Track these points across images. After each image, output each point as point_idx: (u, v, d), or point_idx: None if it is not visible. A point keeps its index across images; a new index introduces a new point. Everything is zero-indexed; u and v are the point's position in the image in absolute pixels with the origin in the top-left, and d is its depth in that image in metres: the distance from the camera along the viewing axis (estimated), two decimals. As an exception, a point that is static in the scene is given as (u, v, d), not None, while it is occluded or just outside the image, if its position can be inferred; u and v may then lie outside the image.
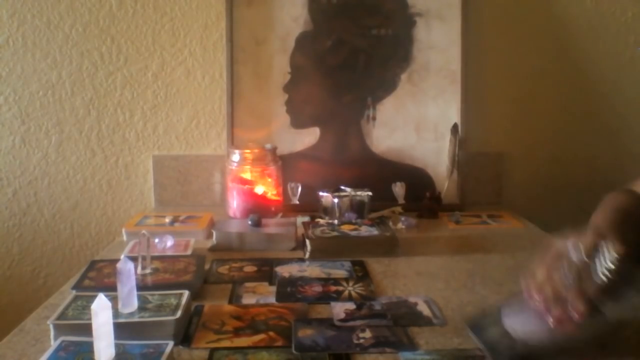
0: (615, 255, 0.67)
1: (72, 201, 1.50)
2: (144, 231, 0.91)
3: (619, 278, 0.66)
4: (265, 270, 0.98)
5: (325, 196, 1.26)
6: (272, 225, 1.17)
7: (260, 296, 0.87)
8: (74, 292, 0.81)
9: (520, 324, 0.69)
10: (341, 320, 0.77)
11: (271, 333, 0.73)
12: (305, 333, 0.73)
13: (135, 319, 0.70)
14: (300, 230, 1.14)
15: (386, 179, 1.41)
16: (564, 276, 0.67)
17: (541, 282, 0.69)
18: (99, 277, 0.89)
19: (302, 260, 1.04)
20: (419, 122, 1.45)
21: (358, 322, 0.77)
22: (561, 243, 0.73)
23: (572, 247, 0.70)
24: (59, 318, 0.70)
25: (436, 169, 1.45)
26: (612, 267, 0.66)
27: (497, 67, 1.48)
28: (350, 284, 0.91)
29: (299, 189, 1.39)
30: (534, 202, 1.50)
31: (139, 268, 0.89)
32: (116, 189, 1.50)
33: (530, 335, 0.67)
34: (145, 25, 1.45)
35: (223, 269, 0.99)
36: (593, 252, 0.68)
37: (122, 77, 1.46)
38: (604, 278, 0.66)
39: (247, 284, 0.92)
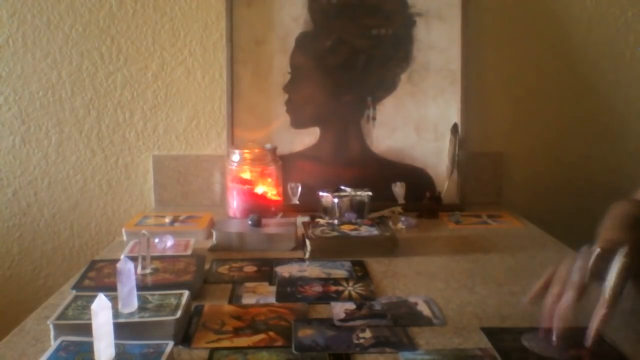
0: (624, 256, 0.67)
1: (72, 201, 1.50)
2: (144, 231, 0.91)
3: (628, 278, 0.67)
4: (265, 270, 0.98)
5: (325, 196, 1.26)
6: (272, 225, 1.17)
7: (260, 296, 0.87)
8: (74, 292, 0.81)
9: (537, 342, 0.70)
10: (341, 320, 0.77)
11: (271, 333, 0.73)
12: (305, 333, 0.73)
13: (135, 319, 0.70)
14: (300, 230, 1.14)
15: (386, 179, 1.41)
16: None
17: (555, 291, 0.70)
18: (99, 277, 0.89)
19: (302, 260, 1.04)
20: (419, 122, 1.45)
21: (358, 322, 0.77)
22: (569, 262, 0.73)
23: (583, 258, 0.70)
24: (59, 318, 0.70)
25: (436, 169, 1.45)
26: (622, 269, 0.67)
27: (497, 67, 1.48)
28: (350, 284, 0.91)
29: (299, 189, 1.39)
30: (534, 202, 1.50)
31: (139, 268, 0.89)
32: (116, 189, 1.51)
33: (546, 352, 0.68)
34: (145, 25, 1.45)
35: (223, 269, 0.99)
36: (604, 260, 0.69)
37: (122, 77, 1.46)
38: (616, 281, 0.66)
39: (247, 284, 0.92)
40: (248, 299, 0.86)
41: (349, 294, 0.87)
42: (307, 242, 1.07)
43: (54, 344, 0.66)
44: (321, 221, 1.19)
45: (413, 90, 1.44)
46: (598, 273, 0.68)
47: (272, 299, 0.85)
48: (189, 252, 1.05)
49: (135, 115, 1.48)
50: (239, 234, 1.11)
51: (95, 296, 0.63)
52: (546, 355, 0.67)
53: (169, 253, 1.05)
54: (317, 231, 1.10)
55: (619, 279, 0.66)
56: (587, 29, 1.47)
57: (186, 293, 0.78)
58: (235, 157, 1.32)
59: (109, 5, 1.44)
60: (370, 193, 1.25)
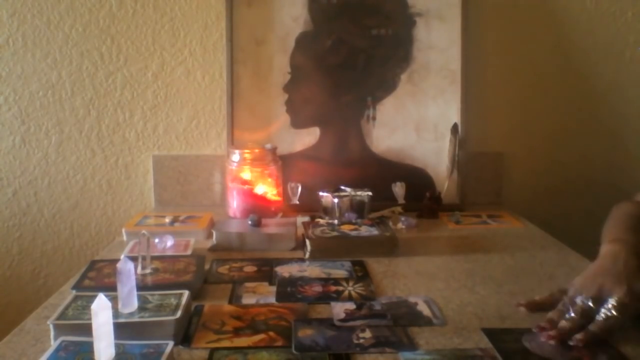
0: (618, 301, 0.72)
1: (72, 201, 1.50)
2: (144, 231, 0.91)
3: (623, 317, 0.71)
4: (265, 270, 0.98)
5: (325, 196, 1.25)
6: (272, 225, 1.17)
7: (260, 296, 0.87)
8: (74, 292, 0.81)
9: (538, 343, 0.70)
10: (341, 320, 0.77)
11: (271, 333, 0.73)
12: (305, 333, 0.73)
13: (135, 319, 0.70)
14: (300, 230, 1.14)
15: (386, 179, 1.41)
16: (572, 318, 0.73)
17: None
18: (99, 277, 0.89)
19: (302, 260, 1.04)
20: (419, 122, 1.45)
21: (358, 322, 0.77)
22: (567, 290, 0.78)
23: (577, 293, 0.75)
24: (59, 318, 0.70)
25: (436, 169, 1.45)
26: (615, 312, 0.71)
27: (497, 67, 1.48)
28: (350, 284, 0.91)
29: (299, 189, 1.39)
30: (534, 202, 1.50)
31: (139, 268, 0.89)
32: (116, 189, 1.50)
33: (547, 353, 0.68)
34: (145, 25, 1.45)
35: (223, 269, 0.99)
36: (597, 299, 0.73)
37: (122, 77, 1.46)
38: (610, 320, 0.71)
39: (247, 284, 0.92)
40: (248, 299, 0.86)
41: (349, 294, 0.87)
42: (307, 242, 1.07)
43: (54, 344, 0.66)
44: (321, 221, 1.19)
45: (413, 90, 1.44)
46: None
47: (272, 299, 0.85)
48: (189, 252, 1.05)
49: (135, 115, 1.48)
50: (239, 234, 1.11)
51: (95, 296, 0.63)
52: (547, 356, 0.67)
53: (169, 253, 1.05)
54: (317, 231, 1.10)
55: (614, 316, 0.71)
56: (587, 29, 1.47)
57: (186, 293, 0.78)
58: (235, 157, 1.32)
59: (109, 5, 1.44)
60: (370, 193, 1.25)
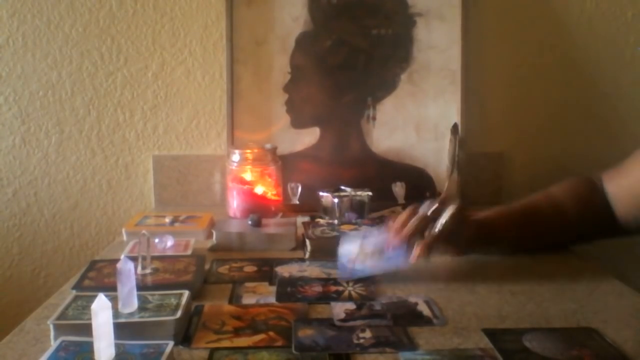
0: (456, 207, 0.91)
1: (72, 201, 1.50)
2: (144, 231, 0.91)
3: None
4: (266, 270, 0.98)
5: (325, 196, 1.25)
6: (272, 225, 1.17)
7: (261, 296, 0.87)
8: (74, 292, 0.81)
9: (539, 342, 0.70)
10: (341, 320, 0.77)
11: (271, 333, 0.73)
12: (305, 333, 0.73)
13: (135, 319, 0.70)
14: (300, 230, 1.14)
15: (386, 179, 1.41)
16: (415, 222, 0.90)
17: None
18: (99, 277, 0.89)
19: (302, 260, 1.04)
20: (419, 122, 1.45)
21: (358, 322, 0.77)
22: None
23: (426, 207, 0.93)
24: (59, 318, 0.70)
25: (436, 169, 1.45)
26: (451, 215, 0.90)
27: (497, 67, 1.48)
28: (350, 284, 0.91)
29: (299, 189, 1.39)
30: (534, 202, 1.50)
31: (139, 268, 0.89)
32: (116, 189, 1.51)
33: (548, 352, 0.68)
34: (145, 25, 1.45)
35: (223, 269, 0.99)
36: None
37: (122, 77, 1.46)
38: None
39: (247, 284, 0.92)
40: (248, 299, 0.86)
41: (349, 294, 0.87)
42: (307, 242, 1.07)
43: (54, 344, 0.66)
44: (321, 221, 1.19)
45: (413, 90, 1.44)
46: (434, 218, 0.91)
47: (272, 299, 0.85)
48: (189, 252, 1.05)
49: (135, 115, 1.48)
50: (239, 234, 1.11)
51: (95, 296, 0.63)
52: (548, 356, 0.67)
53: (169, 253, 1.05)
54: (317, 231, 1.10)
55: (447, 222, 0.90)
56: (588, 29, 1.47)
57: (186, 293, 0.78)
58: (235, 157, 1.32)
59: (109, 5, 1.44)
60: (370, 193, 1.24)
